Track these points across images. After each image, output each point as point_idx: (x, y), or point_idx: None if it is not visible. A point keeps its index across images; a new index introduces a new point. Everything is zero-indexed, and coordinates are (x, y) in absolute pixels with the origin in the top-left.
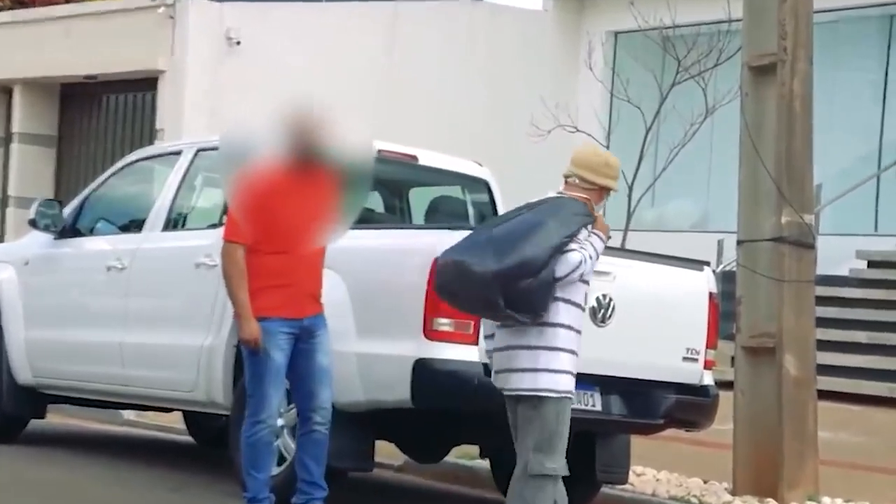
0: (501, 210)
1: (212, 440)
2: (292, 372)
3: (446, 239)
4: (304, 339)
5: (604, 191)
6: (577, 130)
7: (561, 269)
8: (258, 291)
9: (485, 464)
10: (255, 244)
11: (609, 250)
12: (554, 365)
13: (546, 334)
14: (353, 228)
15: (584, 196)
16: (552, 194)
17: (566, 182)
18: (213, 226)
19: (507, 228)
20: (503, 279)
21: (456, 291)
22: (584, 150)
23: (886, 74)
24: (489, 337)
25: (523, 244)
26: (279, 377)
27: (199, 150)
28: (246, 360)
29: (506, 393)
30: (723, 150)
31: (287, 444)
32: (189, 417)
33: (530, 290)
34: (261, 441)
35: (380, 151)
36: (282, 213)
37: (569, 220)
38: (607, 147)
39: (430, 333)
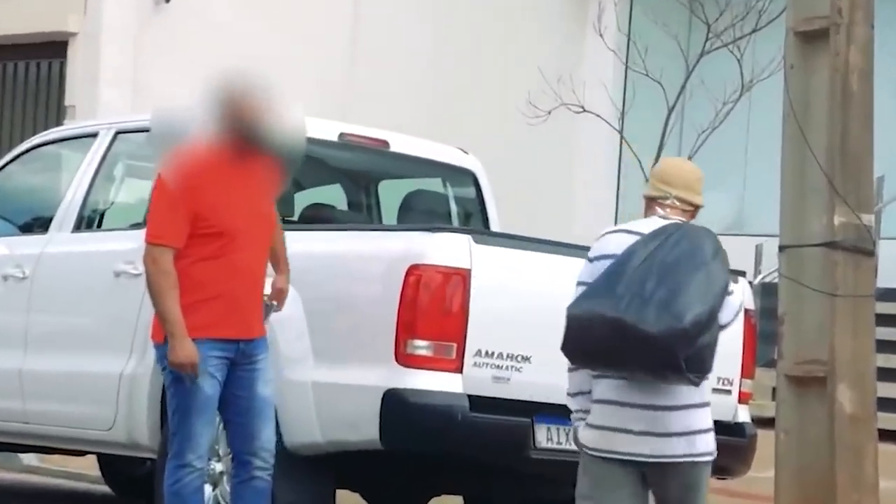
0: (491, 206)
1: (133, 489)
2: (226, 406)
3: (424, 242)
4: (242, 366)
5: (697, 210)
6: (584, 111)
7: (726, 316)
8: (184, 308)
9: None
10: (182, 249)
11: None
12: (706, 424)
13: (697, 391)
14: (311, 230)
15: (683, 219)
16: (659, 220)
17: (659, 203)
18: (137, 226)
19: (655, 275)
20: (685, 339)
21: (613, 353)
22: (680, 167)
23: None
24: (580, 394)
25: (691, 294)
26: (209, 411)
27: (118, 133)
28: (169, 391)
29: (636, 459)
30: (762, 134)
31: (228, 494)
32: (105, 462)
33: (707, 346)
34: (186, 489)
35: (342, 135)
36: (217, 210)
37: (721, 256)
38: (620, 131)
39: (404, 358)
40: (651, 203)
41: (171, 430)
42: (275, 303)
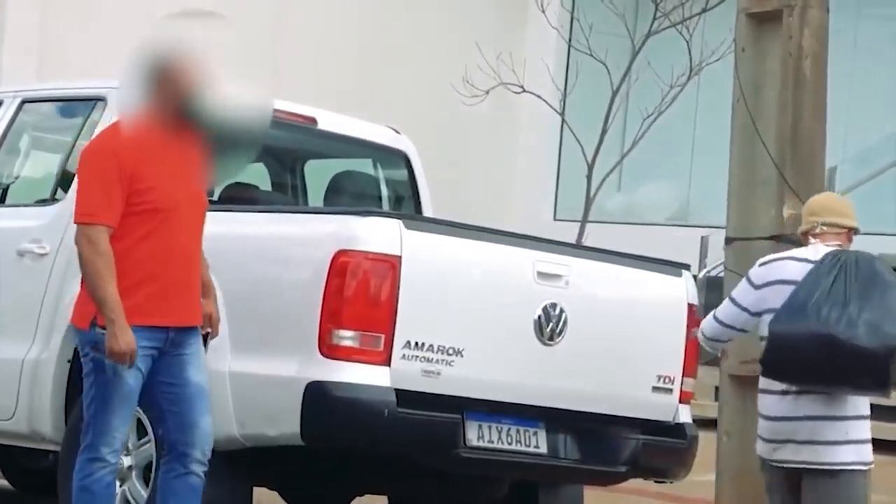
0: (423, 189)
1: (35, 484)
2: (157, 396)
3: (352, 226)
4: (169, 353)
5: (852, 232)
6: (524, 91)
7: None
8: (126, 289)
9: None
10: (117, 230)
11: (561, 247)
12: (866, 435)
13: (862, 403)
14: (231, 211)
15: (839, 243)
16: (822, 247)
17: (812, 234)
18: (44, 202)
19: (855, 297)
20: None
21: (820, 369)
22: (824, 197)
23: None
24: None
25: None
26: (129, 404)
27: (24, 102)
28: (87, 379)
29: (794, 466)
30: (710, 120)
31: (137, 491)
32: (4, 455)
33: None
34: (97, 484)
35: None
36: (153, 185)
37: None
38: (562, 114)
39: (328, 349)
40: (805, 236)
41: (85, 420)
42: (209, 330)
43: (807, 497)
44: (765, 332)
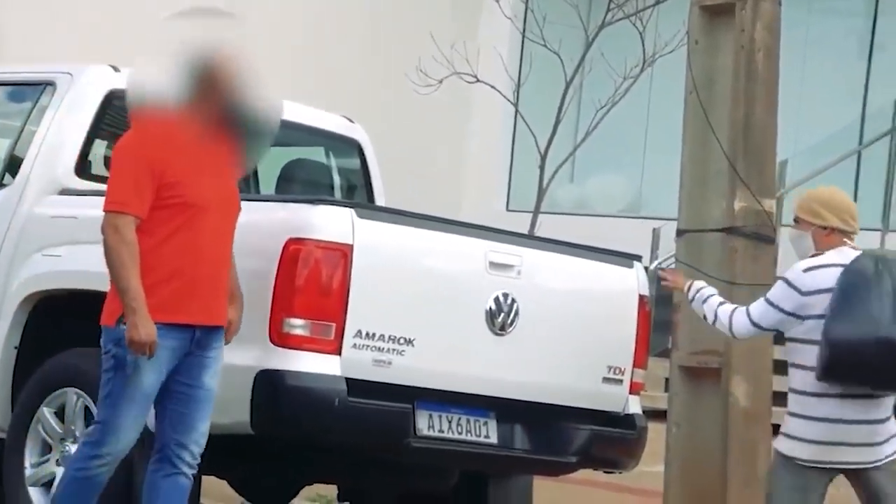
0: (376, 178)
1: None
2: (165, 394)
3: (304, 215)
4: (193, 354)
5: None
6: (478, 81)
7: None
8: (153, 286)
9: None
10: (145, 224)
11: (513, 238)
12: None
13: (891, 403)
14: None
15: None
16: (849, 251)
17: (847, 235)
18: None
19: None
20: None
21: (884, 373)
22: (851, 202)
23: (875, 21)
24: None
25: None
26: (145, 406)
27: None
28: (105, 375)
29: (856, 467)
30: (663, 113)
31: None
32: None
33: None
34: (92, 480)
35: None
36: (185, 179)
37: None
38: (515, 104)
39: (279, 338)
40: (834, 234)
41: (97, 417)
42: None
43: (866, 492)
44: (745, 331)
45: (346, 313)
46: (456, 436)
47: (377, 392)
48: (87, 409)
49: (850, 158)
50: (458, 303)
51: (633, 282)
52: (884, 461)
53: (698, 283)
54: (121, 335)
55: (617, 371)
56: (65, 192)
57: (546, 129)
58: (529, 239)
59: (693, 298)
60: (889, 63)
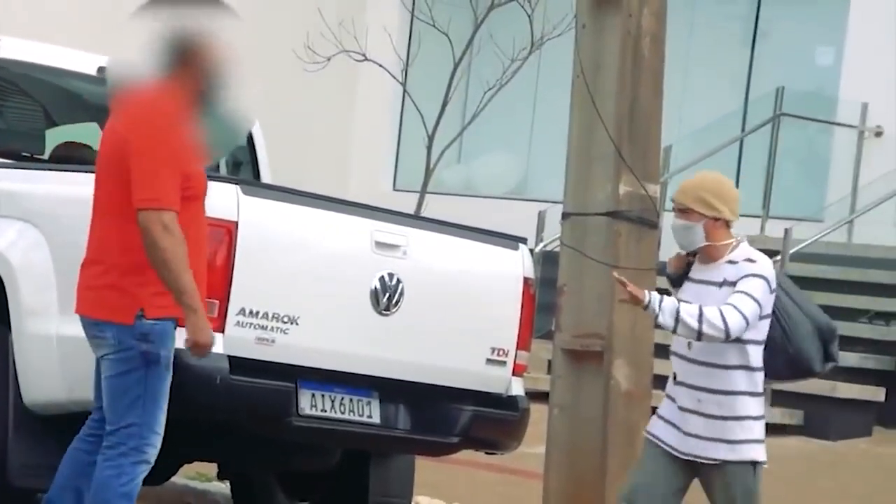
0: (262, 155)
1: None
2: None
3: None
4: None
5: None
6: (366, 59)
7: None
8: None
9: (223, 487)
10: None
11: (399, 217)
12: None
13: None
14: (62, 171)
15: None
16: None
17: (728, 225)
18: None
19: None
20: None
21: None
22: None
23: (758, 9)
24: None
25: None
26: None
27: None
28: (132, 376)
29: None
30: (551, 95)
31: None
32: None
33: None
34: (137, 489)
35: (101, 69)
36: (197, 169)
37: None
38: (403, 84)
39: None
40: (724, 225)
41: (128, 421)
42: None
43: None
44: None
45: (229, 291)
46: (338, 415)
47: (260, 370)
48: None
49: (733, 145)
50: (342, 282)
51: (517, 264)
52: None
53: (657, 296)
54: (146, 330)
55: (500, 353)
56: None
57: (434, 109)
58: (415, 219)
59: (661, 309)
60: (772, 51)
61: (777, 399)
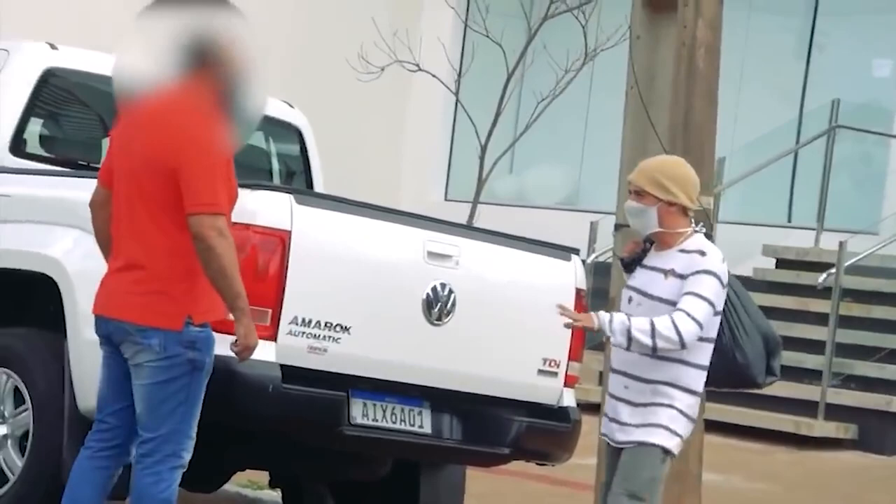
0: (315, 165)
1: None
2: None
3: (242, 200)
4: None
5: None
6: (420, 69)
7: None
8: (205, 287)
9: (275, 495)
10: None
11: (452, 228)
12: None
13: None
14: None
15: None
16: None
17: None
18: None
19: None
20: None
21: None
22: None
23: (814, 21)
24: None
25: None
26: None
27: None
28: (175, 382)
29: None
30: (604, 106)
31: (12, 460)
32: None
33: None
34: (175, 494)
35: None
36: (233, 178)
37: None
38: (456, 94)
39: (214, 323)
40: (679, 211)
41: (168, 427)
42: None
43: None
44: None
45: (282, 300)
46: (389, 424)
47: (312, 379)
48: (16, 389)
49: (788, 157)
50: (395, 291)
51: (570, 275)
52: None
53: (606, 315)
54: (195, 338)
55: (552, 363)
56: None
57: (486, 119)
58: (468, 229)
59: (612, 330)
60: (827, 63)
61: (831, 413)
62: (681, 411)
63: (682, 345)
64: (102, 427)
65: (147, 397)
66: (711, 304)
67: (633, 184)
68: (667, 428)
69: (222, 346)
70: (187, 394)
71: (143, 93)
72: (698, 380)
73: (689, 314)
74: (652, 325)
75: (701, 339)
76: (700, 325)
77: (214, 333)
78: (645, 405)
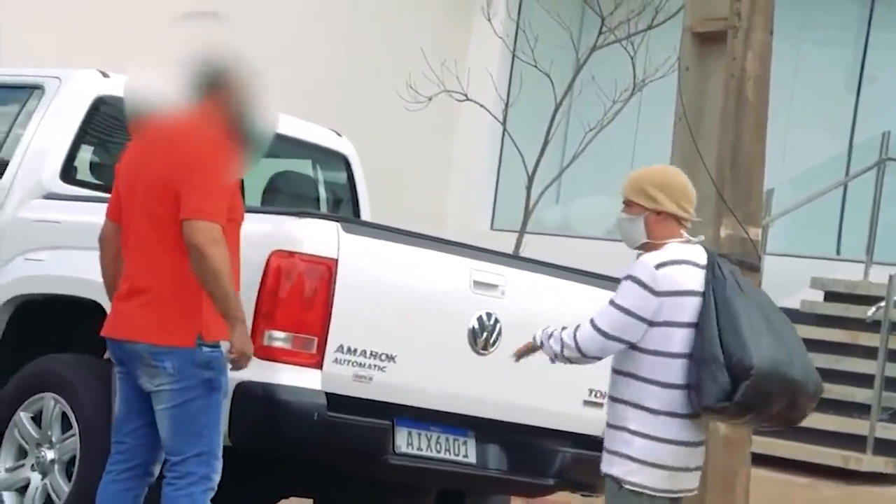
0: (362, 193)
1: None
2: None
3: (289, 227)
4: None
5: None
6: (468, 99)
7: None
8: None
9: None
10: None
11: (498, 257)
12: None
13: None
14: None
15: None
16: (698, 246)
17: (683, 225)
18: None
19: (783, 322)
20: None
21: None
22: (687, 184)
23: (864, 54)
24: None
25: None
26: None
27: None
28: (197, 403)
29: (675, 496)
30: (651, 138)
31: (59, 486)
32: None
33: None
34: None
35: None
36: (237, 196)
37: None
38: (504, 124)
39: (260, 350)
40: (668, 221)
41: (194, 450)
42: None
43: None
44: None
45: (328, 327)
46: (434, 454)
47: (357, 407)
48: (63, 414)
49: (836, 190)
50: (440, 320)
51: None
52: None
53: (541, 328)
54: (209, 358)
55: (598, 395)
56: (49, 196)
57: (534, 149)
58: (514, 259)
59: (542, 343)
60: (878, 96)
61: (880, 448)
62: (636, 432)
63: (581, 352)
64: (121, 448)
65: (169, 421)
66: (624, 310)
67: (622, 194)
68: (617, 453)
69: (268, 373)
70: (209, 415)
71: (154, 116)
72: (660, 397)
73: (592, 321)
74: (561, 331)
75: (646, 352)
76: (602, 332)
77: (260, 360)
78: (609, 427)
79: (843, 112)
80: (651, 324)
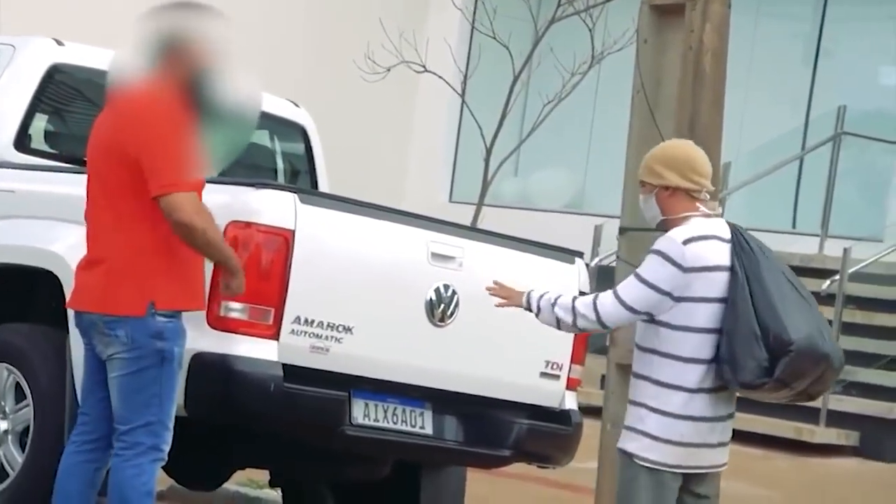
0: (320, 164)
1: None
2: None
3: (246, 198)
4: None
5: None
6: (426, 70)
7: None
8: (169, 273)
9: (275, 494)
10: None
11: (456, 229)
12: None
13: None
14: None
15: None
16: (720, 219)
17: (697, 198)
18: None
19: (807, 297)
20: None
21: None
22: (704, 156)
23: (821, 28)
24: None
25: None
26: None
27: None
28: (149, 373)
29: (695, 472)
30: (609, 110)
31: (12, 456)
32: None
33: None
34: (154, 486)
35: None
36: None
37: None
38: (462, 96)
39: (216, 321)
40: (678, 195)
41: (142, 419)
42: None
43: (688, 497)
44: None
45: (284, 299)
46: (391, 425)
47: (313, 379)
48: (17, 385)
49: (793, 163)
50: (398, 292)
51: (573, 278)
52: (726, 463)
53: (537, 291)
54: (162, 328)
55: (554, 366)
56: (3, 165)
57: (492, 121)
58: (472, 231)
59: (540, 308)
60: (834, 70)
61: (832, 420)
62: (652, 408)
63: (602, 324)
64: (85, 419)
65: (120, 389)
66: (648, 283)
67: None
68: (632, 429)
69: (224, 343)
70: (160, 385)
71: (118, 87)
72: (681, 373)
73: (615, 293)
74: (573, 301)
75: (669, 327)
76: (627, 305)
77: (216, 331)
78: (629, 403)
79: (800, 86)
80: (678, 299)
